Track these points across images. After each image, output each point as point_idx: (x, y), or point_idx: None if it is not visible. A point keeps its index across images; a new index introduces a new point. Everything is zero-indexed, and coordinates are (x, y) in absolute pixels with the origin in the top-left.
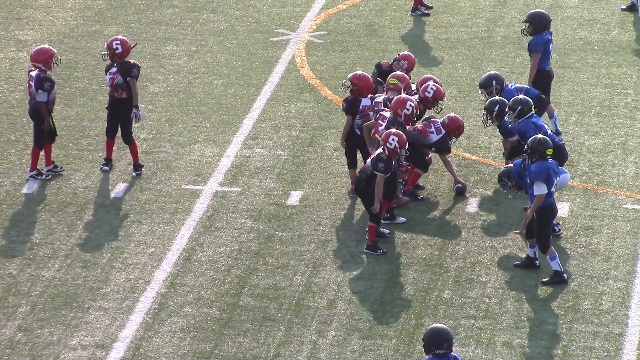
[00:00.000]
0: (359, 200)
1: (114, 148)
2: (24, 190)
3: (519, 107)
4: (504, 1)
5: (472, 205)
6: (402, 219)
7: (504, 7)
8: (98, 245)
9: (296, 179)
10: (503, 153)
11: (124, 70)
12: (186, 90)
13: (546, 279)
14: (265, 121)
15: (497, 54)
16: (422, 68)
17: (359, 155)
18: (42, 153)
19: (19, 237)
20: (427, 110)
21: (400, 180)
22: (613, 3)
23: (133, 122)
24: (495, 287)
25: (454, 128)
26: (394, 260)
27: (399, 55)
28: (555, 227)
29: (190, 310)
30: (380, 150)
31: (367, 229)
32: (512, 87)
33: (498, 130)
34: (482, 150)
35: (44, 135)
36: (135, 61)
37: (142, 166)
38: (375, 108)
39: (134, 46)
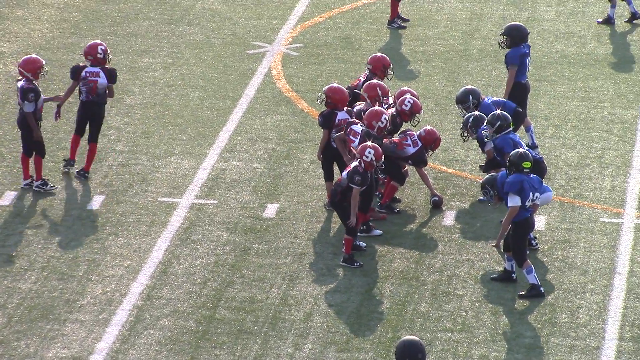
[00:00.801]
0: (335, 213)
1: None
2: (0, 202)
3: (498, 122)
4: (480, 14)
5: (448, 218)
6: (379, 232)
7: (480, 20)
8: (74, 258)
9: (272, 192)
10: (480, 166)
11: (110, 75)
12: (162, 103)
13: (523, 293)
14: (241, 134)
15: (473, 66)
16: (398, 81)
17: (335, 169)
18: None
19: None
20: (404, 123)
21: (377, 194)
22: (589, 16)
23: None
24: (472, 300)
25: (430, 141)
26: (371, 273)
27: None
28: (532, 241)
29: (166, 323)
30: (356, 163)
31: (343, 242)
32: (489, 101)
33: (477, 141)
34: (458, 163)
35: (34, 144)
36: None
37: (88, 175)
38: (348, 120)
39: (105, 54)
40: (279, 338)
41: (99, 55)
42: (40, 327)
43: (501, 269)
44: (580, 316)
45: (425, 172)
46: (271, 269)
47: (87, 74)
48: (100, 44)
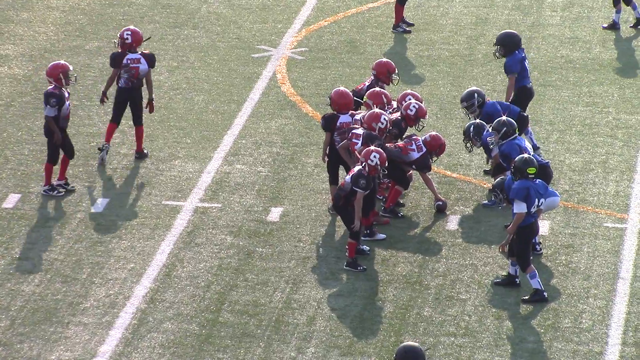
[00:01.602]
0: (339, 217)
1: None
2: (4, 205)
3: (504, 128)
4: (485, 19)
5: (452, 222)
6: (382, 236)
7: (485, 25)
8: (78, 261)
9: (276, 196)
10: (485, 171)
11: (151, 60)
12: (167, 106)
13: (526, 297)
14: (245, 137)
15: (478, 71)
16: (403, 85)
17: (341, 172)
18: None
19: None
20: (409, 128)
21: (381, 198)
22: (595, 21)
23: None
24: (475, 304)
25: (435, 146)
26: (374, 277)
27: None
28: (537, 246)
29: (169, 326)
30: (360, 167)
31: (347, 246)
32: (494, 101)
33: (482, 148)
34: (462, 168)
35: (58, 150)
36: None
37: (147, 154)
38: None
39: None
40: (282, 342)
41: (126, 41)
42: (43, 330)
43: (505, 273)
44: (584, 321)
45: (430, 177)
46: (275, 272)
47: (129, 61)
48: (127, 30)
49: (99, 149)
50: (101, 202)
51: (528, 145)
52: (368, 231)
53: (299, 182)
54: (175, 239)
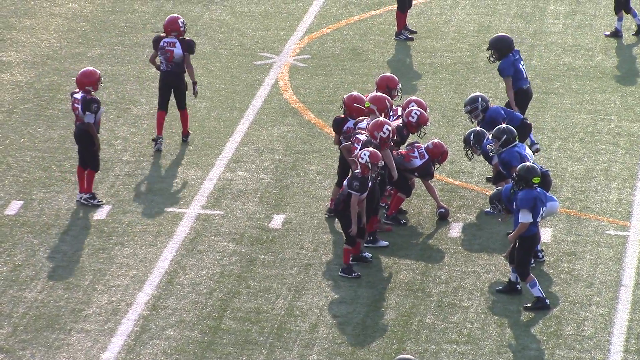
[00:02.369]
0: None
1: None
2: (7, 212)
3: (504, 136)
4: (488, 26)
5: (454, 230)
6: (385, 243)
7: (487, 33)
8: (80, 267)
9: (279, 203)
10: (487, 178)
11: (184, 45)
12: (169, 113)
13: (529, 305)
14: (248, 144)
15: (480, 79)
16: (405, 93)
17: None
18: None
19: (1, 258)
20: (411, 134)
21: (383, 205)
22: (597, 29)
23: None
24: (477, 312)
25: (437, 154)
26: (376, 285)
27: None
28: (539, 253)
29: (172, 333)
30: (357, 170)
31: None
32: (498, 106)
33: (482, 156)
34: (465, 175)
35: (98, 156)
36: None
37: (189, 134)
38: (355, 132)
39: (184, 26)
40: (285, 349)
41: (181, 29)
42: (45, 337)
43: (506, 280)
44: (586, 329)
45: (432, 184)
46: (277, 279)
47: (165, 44)
48: (179, 17)
49: (153, 140)
50: (104, 209)
51: (529, 152)
52: (371, 238)
53: (301, 189)
54: (177, 246)
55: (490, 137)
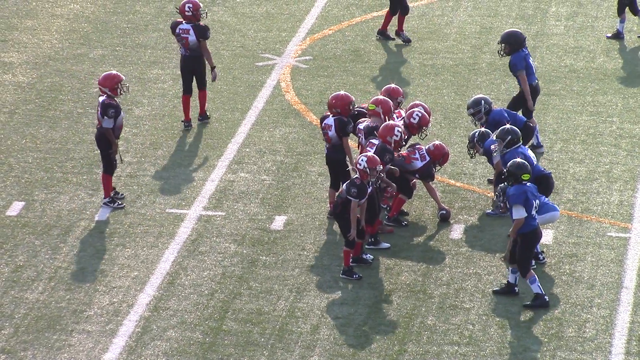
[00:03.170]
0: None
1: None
2: (8, 213)
3: (509, 136)
4: (489, 28)
5: (456, 231)
6: (386, 245)
7: (489, 34)
8: (82, 268)
9: (280, 204)
10: (489, 180)
11: (200, 31)
12: (171, 114)
13: (529, 303)
14: (249, 146)
15: (482, 80)
16: (407, 95)
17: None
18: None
19: (2, 259)
20: (412, 136)
21: (385, 206)
22: (599, 31)
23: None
24: (479, 313)
25: (438, 156)
26: (378, 286)
27: None
28: (540, 255)
29: (173, 334)
30: (356, 176)
31: (341, 254)
32: (501, 109)
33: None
34: (466, 177)
35: (113, 161)
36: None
37: (209, 117)
38: (359, 135)
39: (192, 11)
40: (286, 350)
41: (187, 13)
42: (47, 338)
43: (505, 281)
44: (587, 330)
45: (433, 186)
46: (278, 281)
47: (180, 31)
48: (188, 2)
49: (182, 121)
50: (105, 210)
51: (531, 154)
52: (372, 240)
53: (303, 191)
54: (179, 247)
55: (494, 138)
